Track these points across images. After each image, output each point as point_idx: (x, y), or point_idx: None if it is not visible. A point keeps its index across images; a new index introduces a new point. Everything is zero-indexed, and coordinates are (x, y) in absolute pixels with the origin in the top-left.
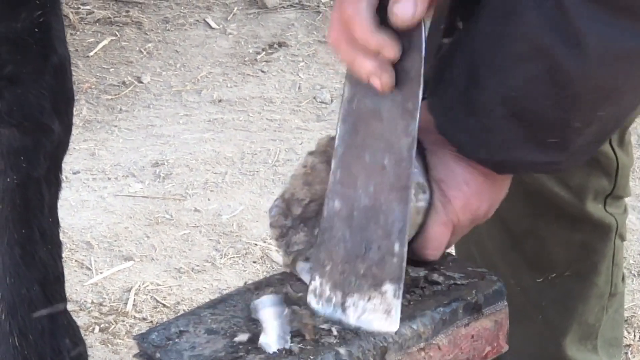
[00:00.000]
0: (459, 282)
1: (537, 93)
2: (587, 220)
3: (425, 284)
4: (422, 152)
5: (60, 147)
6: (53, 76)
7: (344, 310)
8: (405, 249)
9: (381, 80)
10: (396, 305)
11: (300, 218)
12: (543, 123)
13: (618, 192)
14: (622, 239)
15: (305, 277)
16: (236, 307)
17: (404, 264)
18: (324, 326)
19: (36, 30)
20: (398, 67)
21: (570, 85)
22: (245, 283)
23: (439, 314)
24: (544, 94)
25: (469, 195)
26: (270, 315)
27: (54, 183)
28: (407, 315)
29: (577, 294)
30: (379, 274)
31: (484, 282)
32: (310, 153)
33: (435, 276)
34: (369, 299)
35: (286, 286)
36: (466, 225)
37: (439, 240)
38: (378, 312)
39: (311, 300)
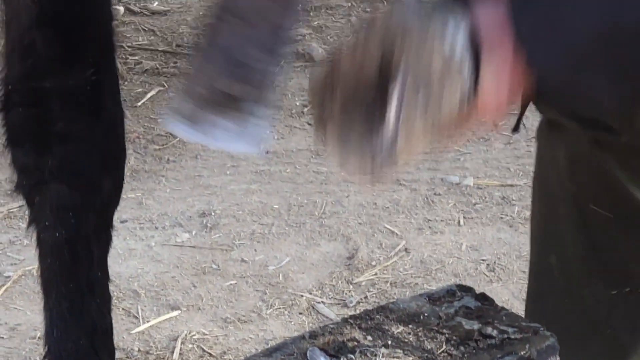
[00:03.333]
0: (512, 337)
1: None
2: None
3: (479, 337)
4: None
5: (111, 203)
6: (104, 134)
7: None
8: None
9: None
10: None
11: None
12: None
13: None
14: None
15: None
16: (291, 355)
17: None
18: None
19: (88, 87)
20: None
21: None
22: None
23: None
24: None
25: None
26: None
27: (103, 238)
28: None
29: None
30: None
31: (537, 337)
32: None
33: (489, 330)
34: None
35: (341, 335)
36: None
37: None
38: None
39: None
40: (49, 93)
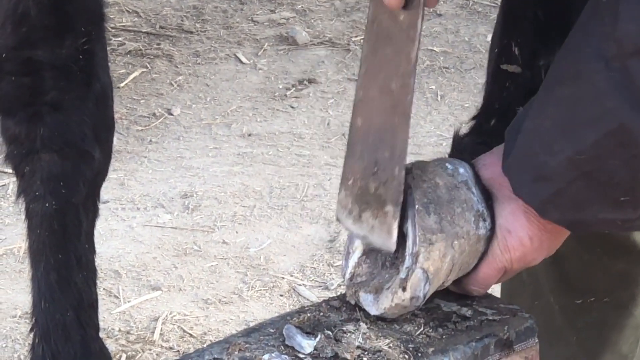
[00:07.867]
0: (491, 318)
1: (605, 154)
2: (631, 249)
3: (457, 318)
4: (480, 181)
5: (100, 174)
6: (95, 104)
7: (359, 223)
8: (404, 173)
9: None
10: (394, 225)
11: (363, 250)
12: (613, 182)
13: None
14: None
15: (369, 308)
16: (270, 335)
17: (402, 187)
18: (357, 353)
19: (80, 57)
20: None
21: (636, 145)
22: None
23: (471, 348)
24: (612, 155)
25: (529, 250)
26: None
27: (91, 210)
28: (439, 349)
29: (614, 322)
30: (384, 194)
31: (515, 318)
32: None
33: (468, 311)
34: (376, 217)
35: (319, 314)
36: (517, 271)
37: (487, 282)
38: (381, 231)
39: (338, 210)
40: (41, 62)
